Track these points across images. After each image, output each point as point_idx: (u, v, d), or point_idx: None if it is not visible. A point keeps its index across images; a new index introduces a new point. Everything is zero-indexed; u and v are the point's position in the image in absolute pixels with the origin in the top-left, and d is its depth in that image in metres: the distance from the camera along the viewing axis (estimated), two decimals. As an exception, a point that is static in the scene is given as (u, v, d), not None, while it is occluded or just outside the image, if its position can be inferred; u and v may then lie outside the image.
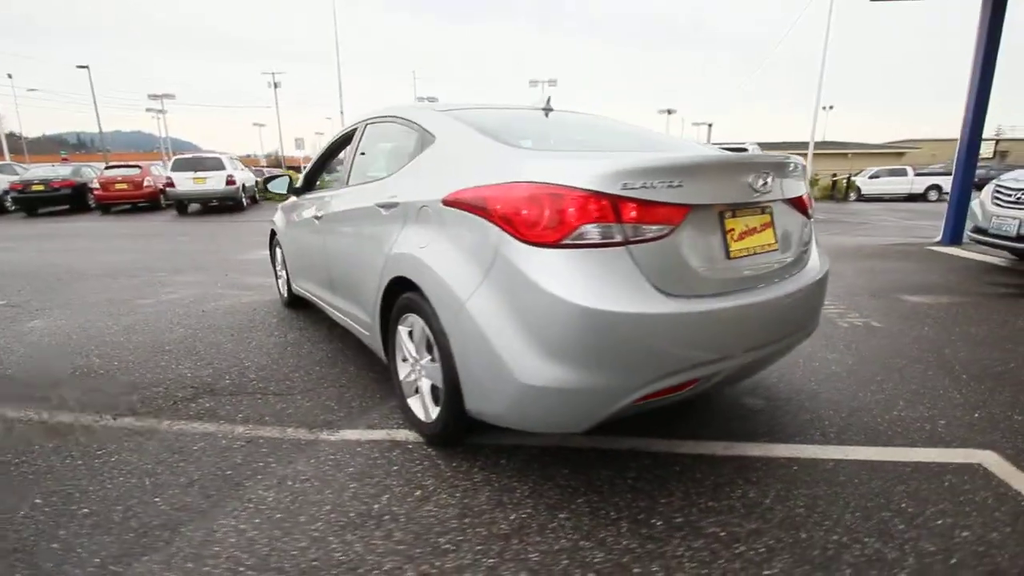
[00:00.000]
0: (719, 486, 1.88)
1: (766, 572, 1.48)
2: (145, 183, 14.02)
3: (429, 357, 2.08)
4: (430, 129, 2.21)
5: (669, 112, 35.77)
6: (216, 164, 13.50)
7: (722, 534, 1.63)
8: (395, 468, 2.02)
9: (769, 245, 1.92)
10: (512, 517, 1.73)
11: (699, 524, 1.68)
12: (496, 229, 1.67)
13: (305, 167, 3.83)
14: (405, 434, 2.26)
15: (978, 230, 5.39)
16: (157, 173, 14.82)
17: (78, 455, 2.13)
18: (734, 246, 1.80)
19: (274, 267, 4.61)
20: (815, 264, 2.17)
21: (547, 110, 2.64)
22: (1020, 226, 4.68)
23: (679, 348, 1.65)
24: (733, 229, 1.80)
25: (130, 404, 2.59)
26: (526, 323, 1.61)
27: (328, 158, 3.67)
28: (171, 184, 13.06)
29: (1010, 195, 4.91)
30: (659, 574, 1.48)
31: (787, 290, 1.91)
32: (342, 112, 19.19)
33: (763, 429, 2.26)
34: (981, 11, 6.46)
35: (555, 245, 1.57)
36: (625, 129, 2.68)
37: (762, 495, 1.82)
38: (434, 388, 2.10)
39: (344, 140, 3.38)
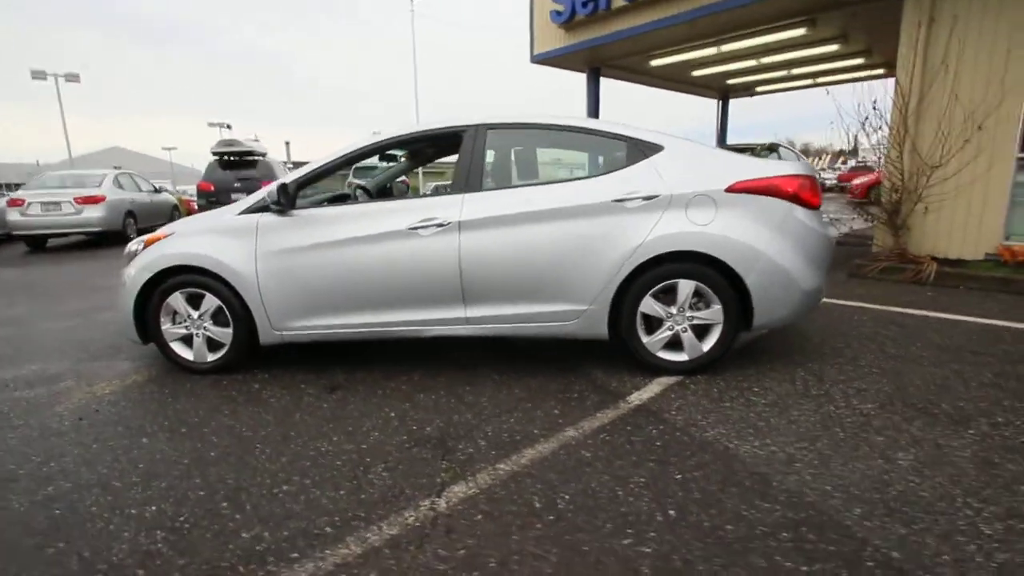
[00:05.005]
0: (866, 336, 3.45)
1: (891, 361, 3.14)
2: None
3: (692, 311, 2.76)
4: (651, 140, 2.83)
5: (225, 126, 32.05)
6: None
7: (893, 351, 3.21)
8: (716, 390, 2.65)
9: None
10: (829, 390, 2.70)
11: (885, 361, 3.21)
12: (785, 202, 2.67)
13: (288, 174, 2.92)
14: (663, 380, 2.80)
15: None
16: None
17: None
18: None
19: (149, 326, 3.07)
20: None
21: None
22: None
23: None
24: None
25: (366, 508, 1.97)
26: (806, 252, 2.71)
27: (338, 168, 3.04)
28: None
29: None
30: (914, 385, 2.92)
31: None
32: None
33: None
34: (587, 81, 9.94)
35: (817, 207, 2.76)
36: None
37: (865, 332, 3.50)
38: (695, 328, 2.78)
39: (373, 150, 3.06)
